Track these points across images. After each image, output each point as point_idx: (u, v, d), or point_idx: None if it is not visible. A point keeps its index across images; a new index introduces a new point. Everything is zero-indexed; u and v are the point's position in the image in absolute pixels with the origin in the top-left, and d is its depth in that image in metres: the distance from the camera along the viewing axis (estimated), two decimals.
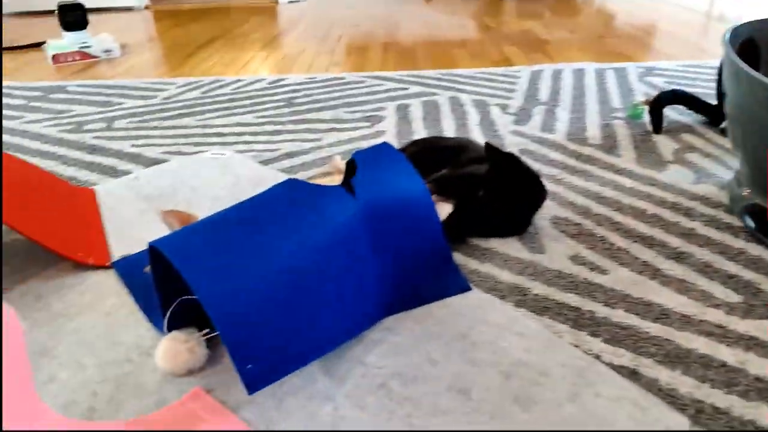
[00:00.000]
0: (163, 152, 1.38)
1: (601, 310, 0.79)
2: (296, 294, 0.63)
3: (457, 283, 0.82)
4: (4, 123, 1.62)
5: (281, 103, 1.70)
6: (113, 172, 1.28)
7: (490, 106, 1.62)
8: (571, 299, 0.81)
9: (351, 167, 0.79)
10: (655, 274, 0.86)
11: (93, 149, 1.41)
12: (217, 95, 1.81)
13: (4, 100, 1.82)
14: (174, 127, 1.54)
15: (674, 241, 0.94)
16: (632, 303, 0.80)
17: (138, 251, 0.91)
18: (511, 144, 1.36)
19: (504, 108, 1.60)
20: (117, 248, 0.93)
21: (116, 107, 1.72)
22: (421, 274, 0.79)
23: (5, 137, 1.51)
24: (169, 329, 0.68)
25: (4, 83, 2.02)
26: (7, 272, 0.87)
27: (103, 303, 0.79)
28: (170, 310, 0.66)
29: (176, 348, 0.65)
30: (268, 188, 0.72)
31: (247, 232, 0.65)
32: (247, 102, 1.73)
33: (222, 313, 0.57)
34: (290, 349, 0.63)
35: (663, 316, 0.77)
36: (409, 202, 0.78)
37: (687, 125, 1.43)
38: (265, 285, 0.61)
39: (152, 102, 1.76)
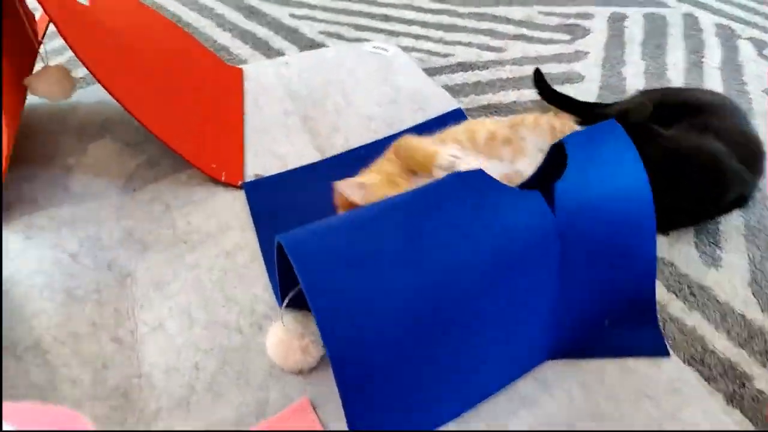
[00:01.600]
0: (322, 31, 1.20)
1: None
2: (441, 337, 0.48)
3: (651, 342, 0.60)
4: None
5: None
6: (266, 49, 1.14)
7: (739, 40, 1.19)
8: None
9: (557, 154, 0.56)
10: None
11: (251, 12, 1.27)
12: None
13: None
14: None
15: None
16: None
17: (272, 174, 0.79)
18: (762, 113, 0.98)
19: (759, 47, 1.16)
20: (252, 160, 0.83)
21: None
22: (609, 318, 0.59)
23: None
24: (287, 304, 0.57)
25: None
26: (142, 162, 0.81)
27: (227, 237, 0.70)
28: (289, 296, 0.55)
29: (290, 344, 0.55)
30: (441, 180, 0.53)
31: (398, 241, 0.48)
32: None
33: (341, 356, 0.44)
34: (416, 406, 0.49)
35: None
36: (626, 224, 0.55)
37: None
38: (403, 323, 0.46)
39: None
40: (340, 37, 1.19)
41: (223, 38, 1.17)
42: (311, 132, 0.89)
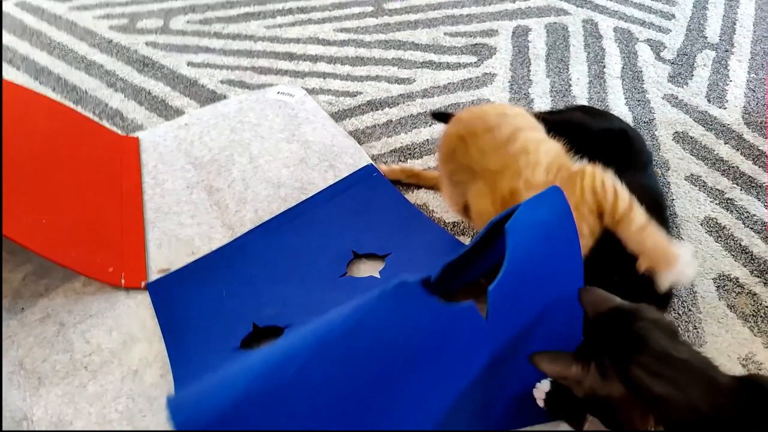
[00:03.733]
0: (223, 80, 1.14)
1: None
2: None
3: None
4: (51, 4, 1.39)
5: (368, 7, 1.36)
6: (163, 108, 1.07)
7: (638, 43, 1.22)
8: None
9: (495, 229, 0.55)
10: None
11: (144, 63, 1.19)
12: None
13: None
14: (238, 36, 1.27)
15: None
16: None
17: (178, 267, 0.74)
18: (664, 122, 1.01)
19: (657, 49, 1.20)
20: (155, 252, 0.77)
21: None
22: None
23: (47, 27, 1.30)
24: None
25: None
26: (29, 272, 0.74)
27: (132, 353, 0.65)
28: None
29: None
30: (373, 303, 0.48)
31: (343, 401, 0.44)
32: (328, 1, 1.39)
33: None
34: None
35: None
36: (559, 304, 0.54)
37: None
38: None
39: None
40: (242, 84, 1.13)
41: (115, 101, 1.09)
42: (219, 206, 0.84)
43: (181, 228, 0.80)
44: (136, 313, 0.68)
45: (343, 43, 1.25)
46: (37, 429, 0.58)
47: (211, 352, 0.62)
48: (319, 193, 0.82)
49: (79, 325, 0.67)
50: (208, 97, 1.10)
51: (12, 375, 0.62)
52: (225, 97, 1.09)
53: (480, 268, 0.64)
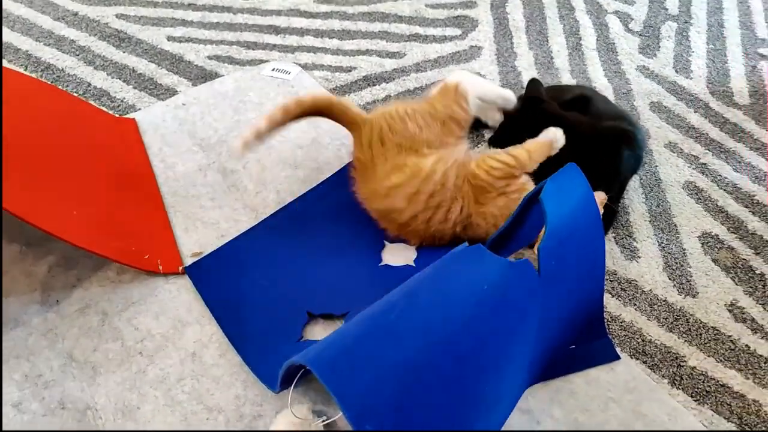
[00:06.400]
0: (210, 56, 1.11)
1: None
2: (453, 392, 0.50)
3: (604, 351, 0.68)
4: None
5: None
6: (153, 87, 1.04)
7: (607, 15, 1.29)
8: (735, 380, 0.69)
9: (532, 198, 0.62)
10: None
11: (119, 38, 1.14)
12: None
13: None
14: (215, 8, 1.23)
15: None
16: None
17: (212, 249, 0.75)
18: (640, 92, 1.10)
19: (625, 21, 1.28)
20: (184, 236, 0.77)
21: None
22: (572, 340, 0.66)
23: None
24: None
25: None
26: (54, 263, 0.72)
27: (185, 335, 0.66)
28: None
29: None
30: (448, 262, 0.56)
31: (417, 342, 0.49)
32: None
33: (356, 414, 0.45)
34: None
35: None
36: (586, 261, 0.61)
37: None
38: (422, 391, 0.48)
39: None
40: (231, 60, 1.11)
41: (98, 79, 1.04)
42: (237, 188, 0.84)
43: (204, 211, 0.80)
44: (179, 298, 0.69)
45: (326, 16, 1.24)
46: (102, 416, 0.59)
47: (273, 335, 0.65)
48: (337, 172, 0.84)
49: (123, 313, 0.67)
50: (199, 75, 1.07)
51: (64, 367, 0.62)
52: (216, 74, 1.07)
53: (515, 243, 0.70)
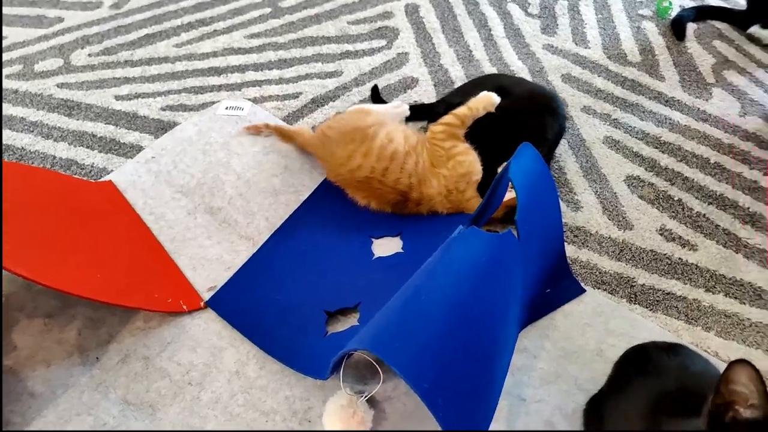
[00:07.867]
0: (163, 107, 1.17)
1: (704, 298, 0.84)
2: (478, 349, 0.63)
3: (572, 288, 0.83)
4: None
5: (265, 9, 1.43)
6: (117, 147, 1.09)
7: (508, 4, 1.45)
8: (677, 287, 0.85)
9: (498, 183, 0.77)
10: (738, 246, 0.91)
11: (68, 107, 1.17)
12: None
13: None
14: (151, 61, 1.28)
15: (744, 200, 0.98)
16: (728, 285, 0.85)
17: (223, 281, 0.83)
18: (551, 68, 1.26)
19: (524, 6, 1.44)
20: (194, 275, 0.84)
21: (57, 26, 1.37)
22: (547, 285, 0.80)
23: None
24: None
25: None
26: (81, 327, 0.78)
27: (224, 359, 0.74)
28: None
29: (346, 420, 0.65)
30: (449, 246, 0.69)
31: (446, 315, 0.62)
32: (223, 9, 1.44)
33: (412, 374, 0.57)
34: (481, 404, 0.63)
35: (757, 297, 0.84)
36: (549, 221, 0.75)
37: (715, 28, 1.37)
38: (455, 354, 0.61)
39: (101, 15, 1.41)
40: (185, 108, 1.17)
41: (61, 150, 1.08)
42: (228, 223, 0.92)
43: (204, 249, 0.88)
44: (209, 329, 0.77)
45: (260, 49, 1.33)
46: None
47: (303, 337, 0.74)
48: (315, 190, 0.94)
49: (162, 353, 0.74)
50: (158, 126, 1.13)
51: (124, 412, 0.69)
52: (174, 122, 1.13)
53: (489, 211, 0.83)
